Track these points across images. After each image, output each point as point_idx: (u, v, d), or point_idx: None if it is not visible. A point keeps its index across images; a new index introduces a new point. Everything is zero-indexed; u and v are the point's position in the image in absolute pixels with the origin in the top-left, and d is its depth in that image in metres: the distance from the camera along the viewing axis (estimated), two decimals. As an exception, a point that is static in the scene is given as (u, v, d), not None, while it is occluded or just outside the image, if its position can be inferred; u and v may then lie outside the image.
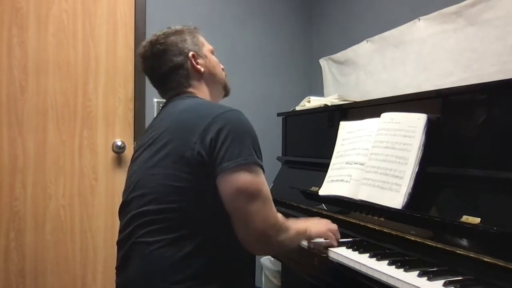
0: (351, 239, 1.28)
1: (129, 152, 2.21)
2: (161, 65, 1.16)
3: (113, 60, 2.19)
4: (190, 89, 1.19)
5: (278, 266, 2.35)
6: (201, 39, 1.24)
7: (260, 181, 0.98)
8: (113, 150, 2.17)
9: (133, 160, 1.17)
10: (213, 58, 1.25)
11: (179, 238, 0.97)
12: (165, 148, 1.03)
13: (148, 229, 1.00)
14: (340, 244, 1.22)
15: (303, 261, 1.33)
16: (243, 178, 0.95)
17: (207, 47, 1.24)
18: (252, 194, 0.95)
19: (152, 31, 2.33)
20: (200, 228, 0.99)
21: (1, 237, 1.97)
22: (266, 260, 2.43)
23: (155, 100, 2.24)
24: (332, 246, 1.20)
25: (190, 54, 1.17)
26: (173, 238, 0.97)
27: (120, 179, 2.16)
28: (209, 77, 1.21)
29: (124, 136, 2.20)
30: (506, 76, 1.26)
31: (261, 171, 1.00)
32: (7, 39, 1.99)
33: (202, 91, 1.20)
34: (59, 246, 2.07)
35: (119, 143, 2.17)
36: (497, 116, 1.08)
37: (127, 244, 1.04)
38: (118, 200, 2.24)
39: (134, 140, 2.23)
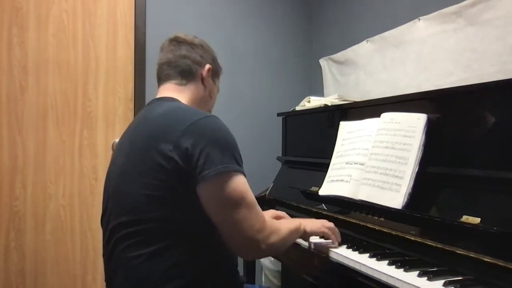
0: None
1: (129, 152, 2.21)
2: (181, 50, 1.17)
3: (113, 60, 2.19)
4: (181, 90, 1.16)
5: (278, 266, 2.35)
6: (220, 69, 1.30)
7: (243, 187, 0.96)
8: (113, 150, 2.17)
9: (110, 167, 1.14)
10: (216, 95, 1.28)
11: (164, 248, 0.95)
12: (140, 156, 1.00)
13: (130, 242, 0.97)
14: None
15: (303, 261, 1.33)
16: (225, 187, 0.93)
17: (218, 84, 1.29)
18: (235, 202, 0.94)
19: (152, 31, 2.35)
20: (183, 237, 0.97)
21: (1, 237, 1.97)
22: (266, 260, 2.43)
23: (155, 100, 2.24)
24: (333, 246, 1.20)
25: (208, 66, 1.19)
26: (157, 249, 0.95)
27: (120, 179, 2.16)
28: (204, 97, 1.21)
29: (124, 136, 2.20)
30: (506, 76, 1.26)
31: (243, 177, 0.98)
32: (7, 39, 1.99)
33: (188, 98, 1.17)
34: (59, 246, 2.07)
35: (119, 143, 2.17)
36: (497, 116, 1.08)
37: (112, 259, 1.02)
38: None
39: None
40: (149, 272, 0.95)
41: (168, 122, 1.00)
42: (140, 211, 0.97)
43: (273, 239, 1.00)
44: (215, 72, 1.25)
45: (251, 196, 0.97)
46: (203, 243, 1.00)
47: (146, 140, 1.01)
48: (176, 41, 1.19)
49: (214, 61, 1.24)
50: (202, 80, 1.19)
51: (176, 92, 1.16)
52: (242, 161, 1.00)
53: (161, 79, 1.19)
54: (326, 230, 1.20)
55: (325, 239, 1.25)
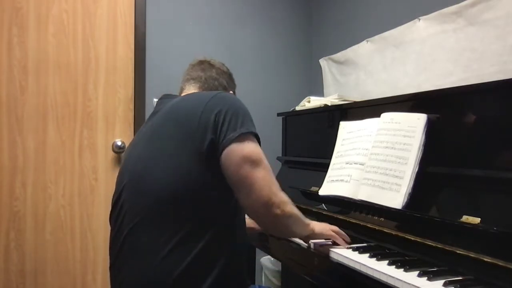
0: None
1: (129, 152, 2.21)
2: (212, 72, 1.29)
3: (113, 60, 2.19)
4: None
5: (278, 266, 2.35)
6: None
7: (261, 151, 1.02)
8: (113, 150, 2.17)
9: (125, 160, 1.16)
10: None
11: (180, 238, 0.96)
12: (167, 138, 1.03)
13: (145, 230, 0.98)
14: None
15: (303, 261, 1.33)
16: (247, 146, 0.98)
17: None
18: (256, 161, 0.98)
19: (152, 31, 2.35)
20: (200, 227, 0.98)
21: (1, 237, 1.97)
22: (266, 260, 2.43)
23: (155, 100, 2.22)
24: (339, 245, 1.19)
25: (231, 92, 1.32)
26: (174, 239, 0.95)
27: (120, 179, 2.16)
28: None
29: (124, 136, 2.20)
30: (506, 76, 1.26)
31: (258, 141, 1.04)
32: (7, 39, 1.99)
33: None
34: (59, 246, 2.07)
35: (119, 143, 2.17)
36: (497, 116, 1.08)
37: (123, 250, 1.03)
38: (118, 200, 2.22)
39: (134, 140, 2.23)
40: (164, 262, 0.95)
41: (190, 103, 1.07)
42: (162, 199, 0.98)
43: (289, 208, 1.03)
44: None
45: (267, 161, 1.01)
46: (218, 236, 1.00)
47: (171, 122, 1.06)
48: (208, 64, 1.31)
49: (233, 89, 1.37)
50: None
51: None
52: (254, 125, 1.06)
53: (185, 89, 1.28)
54: (332, 233, 1.20)
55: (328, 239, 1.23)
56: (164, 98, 1.21)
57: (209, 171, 0.98)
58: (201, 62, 1.31)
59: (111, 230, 1.11)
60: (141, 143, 1.10)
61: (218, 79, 1.29)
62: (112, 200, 1.13)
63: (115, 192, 1.13)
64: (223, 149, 0.97)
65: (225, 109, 1.01)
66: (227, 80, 1.33)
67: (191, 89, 1.26)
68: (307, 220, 1.15)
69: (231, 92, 1.32)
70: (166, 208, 0.98)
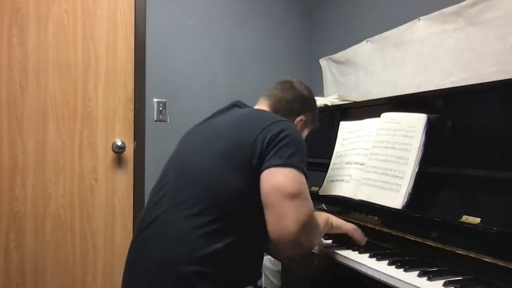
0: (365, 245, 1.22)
1: (129, 152, 2.21)
2: (288, 95, 1.33)
3: (113, 60, 2.19)
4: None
5: (278, 266, 2.35)
6: (315, 125, 1.45)
7: (302, 183, 1.01)
8: (113, 150, 2.17)
9: (182, 146, 1.22)
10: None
11: (213, 232, 0.99)
12: (224, 141, 1.08)
13: (185, 213, 1.02)
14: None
15: (303, 261, 1.33)
16: (285, 176, 0.99)
17: (305, 133, 1.40)
18: (290, 194, 0.98)
19: (152, 32, 2.36)
20: (235, 228, 1.01)
21: (1, 237, 1.97)
22: (266, 260, 2.43)
23: (155, 100, 2.24)
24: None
25: (301, 117, 1.34)
26: (208, 232, 0.99)
27: (120, 179, 2.17)
28: None
29: (124, 136, 2.20)
30: (506, 76, 1.26)
31: (304, 177, 1.03)
32: (7, 39, 1.99)
33: None
34: (59, 246, 2.07)
35: (119, 143, 2.17)
36: (497, 116, 1.08)
37: (155, 223, 1.06)
38: (118, 200, 2.24)
39: (134, 140, 2.23)
40: (194, 248, 0.98)
41: (255, 119, 1.13)
42: (206, 194, 1.03)
43: (313, 236, 1.05)
44: (307, 124, 1.39)
45: (306, 193, 1.02)
46: (247, 241, 1.04)
47: (234, 130, 1.11)
48: (290, 85, 1.36)
49: (311, 115, 1.39)
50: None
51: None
52: (306, 167, 1.06)
53: (259, 102, 1.34)
54: (349, 229, 1.20)
55: (333, 241, 1.23)
56: (238, 104, 1.28)
57: (250, 182, 1.02)
58: (285, 82, 1.37)
59: (147, 203, 1.15)
60: (200, 138, 1.17)
61: (292, 102, 1.32)
62: (163, 173, 1.19)
63: (164, 169, 1.19)
64: (263, 169, 1.01)
65: (282, 135, 1.04)
66: (302, 105, 1.34)
67: (263, 104, 1.32)
68: (324, 216, 1.16)
69: (301, 117, 1.34)
70: (205, 202, 1.02)
